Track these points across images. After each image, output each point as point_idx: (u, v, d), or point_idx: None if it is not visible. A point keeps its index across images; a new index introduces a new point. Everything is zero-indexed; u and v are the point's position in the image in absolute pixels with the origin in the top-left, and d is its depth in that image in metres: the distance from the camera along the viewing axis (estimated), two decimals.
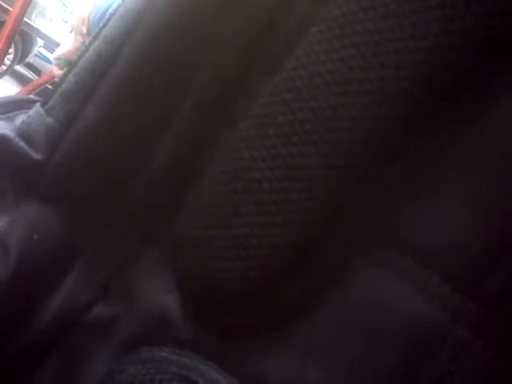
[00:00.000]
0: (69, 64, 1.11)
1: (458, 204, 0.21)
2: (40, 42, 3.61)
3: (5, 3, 1.65)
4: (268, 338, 0.23)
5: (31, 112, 0.29)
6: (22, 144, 0.28)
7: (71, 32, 1.12)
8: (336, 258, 0.22)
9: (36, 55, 3.99)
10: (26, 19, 1.53)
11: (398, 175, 0.22)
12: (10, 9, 1.47)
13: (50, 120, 0.27)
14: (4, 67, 3.42)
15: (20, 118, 0.30)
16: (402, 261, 0.21)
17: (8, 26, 1.40)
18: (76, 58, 0.28)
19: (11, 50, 3.50)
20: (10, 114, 0.30)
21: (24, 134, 0.28)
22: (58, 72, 1.13)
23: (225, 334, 0.24)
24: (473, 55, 0.20)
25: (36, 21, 3.15)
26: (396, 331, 0.21)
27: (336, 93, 0.21)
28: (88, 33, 1.02)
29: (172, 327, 0.25)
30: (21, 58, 3.70)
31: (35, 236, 0.27)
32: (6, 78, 3.65)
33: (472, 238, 0.20)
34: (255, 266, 0.22)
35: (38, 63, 4.20)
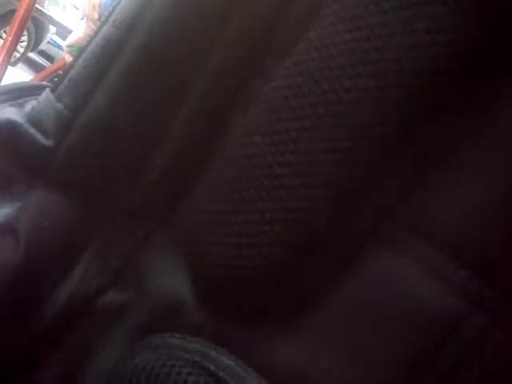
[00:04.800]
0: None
1: (475, 189, 0.20)
2: (53, 29, 3.62)
3: None
4: (280, 324, 0.23)
5: (41, 98, 0.28)
6: (32, 130, 0.27)
7: (83, 18, 1.12)
8: (351, 243, 0.22)
9: (49, 42, 4.00)
10: (38, 6, 1.53)
11: (414, 159, 0.21)
12: None
13: (59, 106, 0.27)
14: (17, 55, 3.43)
15: (30, 104, 0.29)
16: (418, 246, 0.21)
17: (20, 13, 1.40)
18: None
19: (25, 38, 3.52)
20: (21, 100, 0.30)
21: (34, 120, 0.28)
22: (69, 59, 1.13)
23: (236, 321, 0.24)
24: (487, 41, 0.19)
25: (49, 8, 3.15)
26: (412, 317, 0.20)
27: (350, 75, 0.20)
28: (99, 18, 1.02)
29: (184, 313, 0.25)
30: (34, 45, 3.72)
31: (45, 223, 0.27)
32: (20, 65, 3.67)
33: (490, 223, 0.20)
34: (266, 253, 0.22)
35: (51, 50, 4.22)
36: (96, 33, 0.28)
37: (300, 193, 0.21)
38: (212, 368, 0.22)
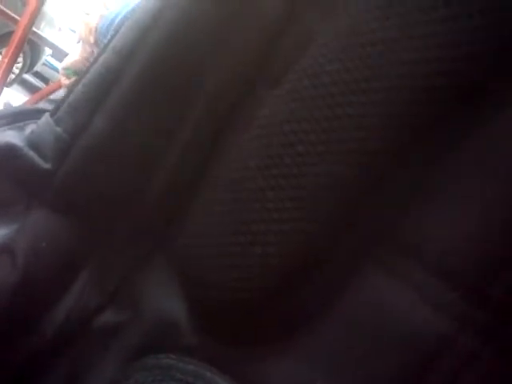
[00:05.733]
0: (76, 74, 1.12)
1: (464, 212, 0.21)
2: (48, 51, 3.63)
3: (14, 13, 1.67)
4: (275, 345, 0.23)
5: (40, 122, 0.29)
6: (32, 153, 0.28)
7: (79, 42, 1.12)
8: (343, 265, 0.22)
9: (44, 64, 4.01)
10: (34, 29, 1.54)
11: (404, 182, 0.22)
12: (19, 18, 1.48)
13: (58, 130, 0.28)
14: (13, 76, 3.44)
15: (30, 128, 0.30)
16: (409, 269, 0.21)
17: (17, 36, 1.41)
18: (83, 67, 0.28)
19: (20, 59, 3.52)
20: (20, 124, 0.30)
21: (33, 143, 0.28)
22: (65, 82, 1.13)
23: (231, 342, 0.24)
24: (480, 64, 0.20)
25: (44, 30, 3.17)
26: (403, 339, 0.21)
27: (341, 103, 0.21)
28: (95, 42, 1.03)
29: (178, 334, 0.25)
30: (29, 66, 3.73)
31: (43, 244, 0.27)
32: (15, 86, 3.68)
33: (478, 246, 0.20)
34: (260, 274, 0.22)
35: (46, 72, 4.23)
36: (95, 59, 0.28)
37: (292, 216, 0.22)
38: None
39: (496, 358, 0.20)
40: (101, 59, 0.28)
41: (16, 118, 0.30)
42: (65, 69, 1.14)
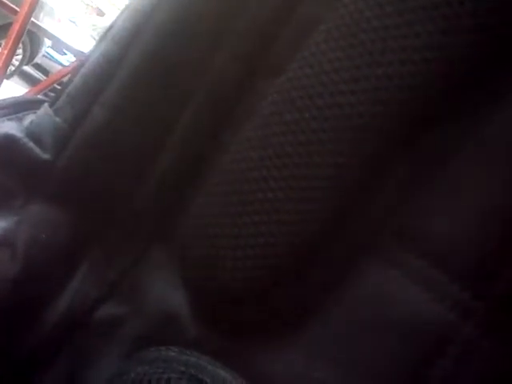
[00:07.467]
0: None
1: (466, 204, 0.21)
2: (48, 42, 3.63)
3: (12, 4, 1.66)
4: (275, 337, 0.23)
5: (39, 112, 0.29)
6: (31, 144, 0.28)
7: None
8: (344, 256, 0.22)
9: (44, 56, 4.01)
10: (33, 20, 1.54)
11: (405, 174, 0.22)
12: (18, 9, 1.48)
13: (58, 120, 0.28)
14: (12, 68, 3.43)
15: (29, 119, 0.30)
16: (410, 260, 0.21)
17: (16, 27, 1.41)
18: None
19: (20, 51, 3.52)
20: (19, 115, 0.30)
21: (32, 134, 0.28)
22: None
23: (232, 334, 0.24)
24: (479, 52, 0.20)
25: (44, 21, 3.16)
26: (404, 330, 0.21)
27: (343, 91, 0.21)
28: None
29: (180, 327, 0.25)
30: (29, 58, 3.72)
31: (43, 236, 0.27)
32: (15, 78, 3.68)
33: (480, 237, 0.20)
34: (263, 265, 0.22)
35: (46, 63, 4.23)
36: (94, 49, 0.28)
37: (294, 206, 0.22)
38: (208, 381, 0.22)
39: (496, 350, 0.20)
40: (100, 49, 0.27)
41: (15, 108, 0.30)
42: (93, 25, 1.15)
